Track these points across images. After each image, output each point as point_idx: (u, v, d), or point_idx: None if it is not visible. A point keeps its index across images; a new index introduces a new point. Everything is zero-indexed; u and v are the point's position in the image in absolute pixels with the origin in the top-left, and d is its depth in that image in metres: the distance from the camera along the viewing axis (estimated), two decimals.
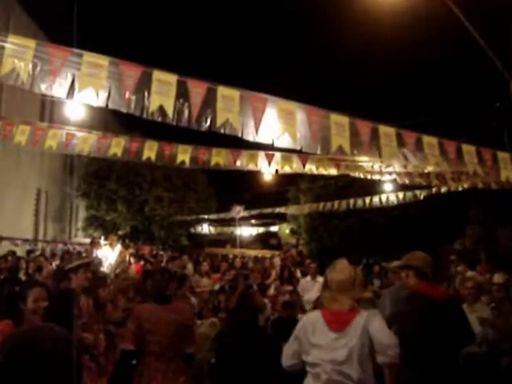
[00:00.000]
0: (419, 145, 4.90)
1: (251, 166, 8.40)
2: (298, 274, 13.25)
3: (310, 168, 8.37)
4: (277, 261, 18.48)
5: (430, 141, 4.91)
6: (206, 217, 27.01)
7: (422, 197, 14.01)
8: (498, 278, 8.43)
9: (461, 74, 16.14)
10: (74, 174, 25.98)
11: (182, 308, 5.14)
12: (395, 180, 12.86)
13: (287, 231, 31.92)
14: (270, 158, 8.12)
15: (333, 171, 10.66)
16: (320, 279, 11.09)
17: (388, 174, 12.76)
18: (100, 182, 24.67)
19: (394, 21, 12.83)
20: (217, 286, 11.44)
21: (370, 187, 17.39)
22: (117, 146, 8.13)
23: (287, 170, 8.56)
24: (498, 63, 11.85)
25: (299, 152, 4.70)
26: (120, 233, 23.98)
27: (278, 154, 8.10)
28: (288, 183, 27.97)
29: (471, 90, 15.26)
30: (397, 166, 7.95)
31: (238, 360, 5.75)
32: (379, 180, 14.72)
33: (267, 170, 8.43)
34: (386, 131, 4.74)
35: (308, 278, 11.36)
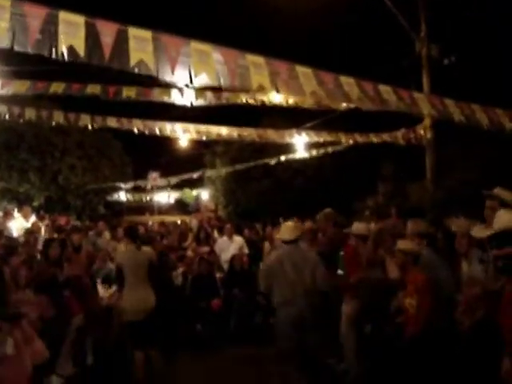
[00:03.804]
0: (337, 82, 4.88)
1: (165, 99, 8.37)
2: (216, 234, 13.16)
3: (227, 98, 8.30)
4: (193, 222, 18.30)
5: (304, 71, 4.90)
6: (121, 185, 26.43)
7: (331, 151, 14.47)
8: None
9: (371, 35, 16.42)
10: None
11: None
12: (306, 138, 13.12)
13: (192, 194, 31.88)
14: (182, 91, 8.13)
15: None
16: (237, 239, 11.11)
17: (297, 134, 12.97)
18: (10, 152, 23.35)
19: None
20: None
21: (284, 150, 17.50)
22: (22, 86, 8.00)
23: (202, 102, 8.55)
24: (405, 24, 12.16)
25: (213, 88, 4.57)
26: (34, 204, 22.95)
27: (190, 90, 8.05)
28: (204, 147, 27.73)
29: (380, 49, 15.56)
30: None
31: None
32: (291, 144, 14.99)
33: (181, 102, 8.33)
34: (304, 71, 4.70)
35: (225, 237, 11.30)
